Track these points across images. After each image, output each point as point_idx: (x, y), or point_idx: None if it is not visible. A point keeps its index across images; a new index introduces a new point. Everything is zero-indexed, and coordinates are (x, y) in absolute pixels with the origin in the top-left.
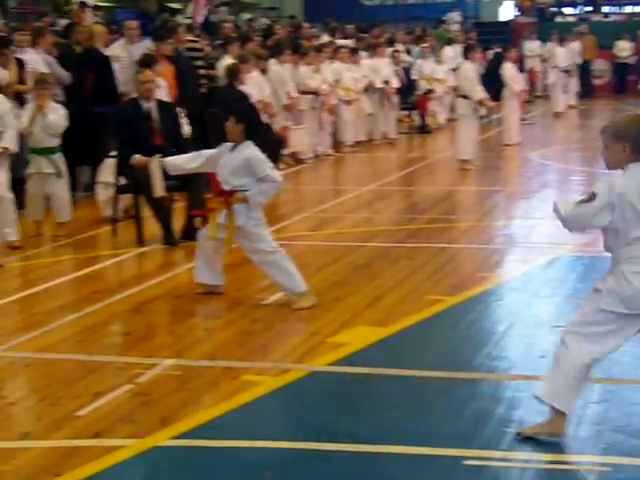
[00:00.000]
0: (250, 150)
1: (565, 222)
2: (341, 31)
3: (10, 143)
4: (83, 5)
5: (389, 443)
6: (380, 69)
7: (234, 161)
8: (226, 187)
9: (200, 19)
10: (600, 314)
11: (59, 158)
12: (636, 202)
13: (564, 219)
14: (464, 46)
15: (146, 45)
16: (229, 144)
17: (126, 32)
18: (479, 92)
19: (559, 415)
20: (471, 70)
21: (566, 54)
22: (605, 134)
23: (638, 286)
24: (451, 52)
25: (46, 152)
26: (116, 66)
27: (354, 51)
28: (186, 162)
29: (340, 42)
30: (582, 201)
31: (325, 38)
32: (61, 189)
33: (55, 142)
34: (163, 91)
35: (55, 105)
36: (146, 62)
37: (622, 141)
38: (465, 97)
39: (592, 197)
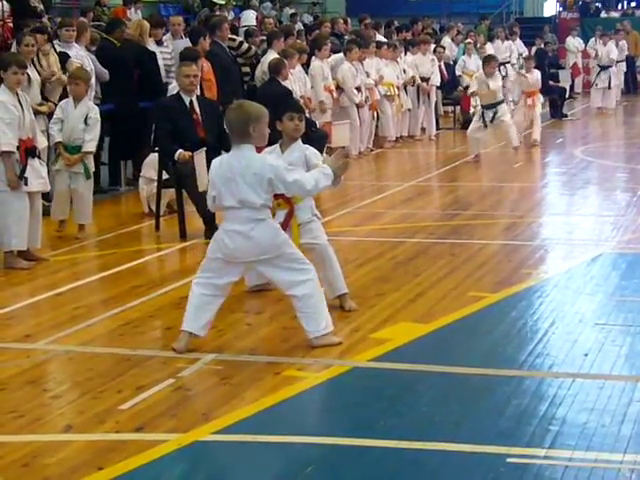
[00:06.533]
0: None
1: None
2: (386, 27)
3: None
4: (127, 1)
5: (431, 439)
6: (421, 65)
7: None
8: None
9: None
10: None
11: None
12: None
13: None
14: None
15: (188, 42)
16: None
17: (171, 28)
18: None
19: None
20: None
21: (615, 50)
22: None
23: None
24: (491, 49)
25: (75, 150)
26: (161, 61)
27: (395, 47)
28: None
29: (380, 38)
30: None
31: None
32: (86, 190)
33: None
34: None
35: (92, 105)
36: (189, 56)
37: None
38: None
39: None
